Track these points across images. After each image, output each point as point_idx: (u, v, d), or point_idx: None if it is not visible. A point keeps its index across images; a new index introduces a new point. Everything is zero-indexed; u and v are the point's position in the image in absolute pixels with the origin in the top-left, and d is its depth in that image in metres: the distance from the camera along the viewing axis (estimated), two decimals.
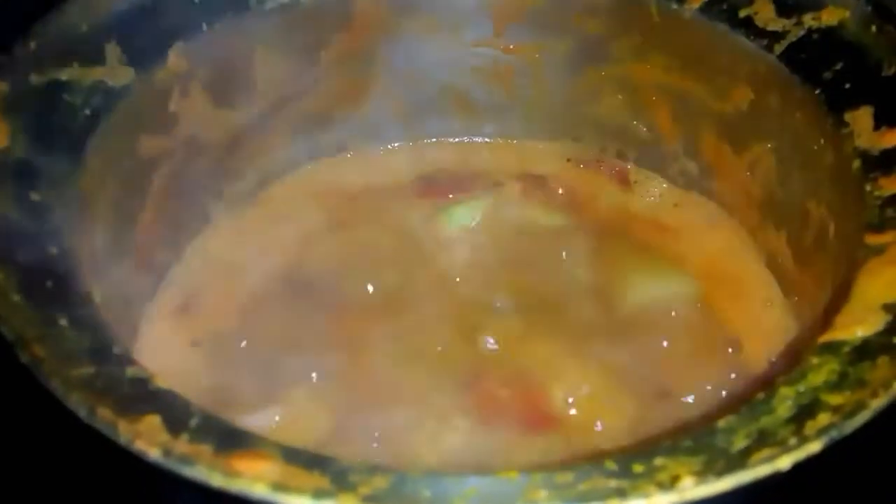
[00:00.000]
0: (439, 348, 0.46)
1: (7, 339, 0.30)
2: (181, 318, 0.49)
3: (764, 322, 0.48)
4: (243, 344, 0.47)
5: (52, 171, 0.39)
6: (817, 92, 0.43)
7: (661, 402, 0.44)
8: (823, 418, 0.28)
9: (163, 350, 0.47)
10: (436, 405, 0.43)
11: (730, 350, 0.47)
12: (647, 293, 0.48)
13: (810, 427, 0.28)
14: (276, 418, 0.43)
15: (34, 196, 0.38)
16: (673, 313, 0.47)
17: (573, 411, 0.43)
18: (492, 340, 0.46)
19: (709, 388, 0.45)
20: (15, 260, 0.35)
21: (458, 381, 0.44)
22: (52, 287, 0.35)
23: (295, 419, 0.43)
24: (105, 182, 0.43)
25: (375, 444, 0.42)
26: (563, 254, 0.51)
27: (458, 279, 0.50)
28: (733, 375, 0.46)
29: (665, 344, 0.47)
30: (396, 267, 0.51)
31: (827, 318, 0.35)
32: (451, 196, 0.55)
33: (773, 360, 0.46)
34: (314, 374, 0.45)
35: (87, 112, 0.42)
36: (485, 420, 0.43)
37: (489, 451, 0.42)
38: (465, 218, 0.54)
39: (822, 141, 0.43)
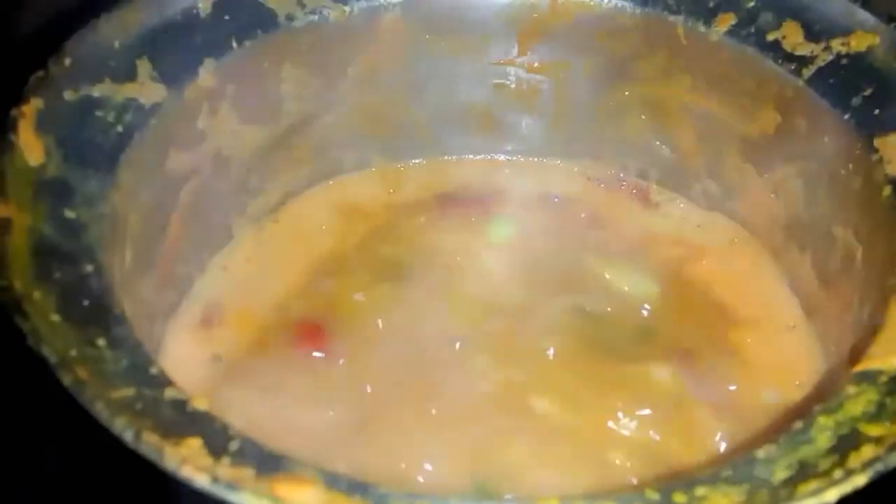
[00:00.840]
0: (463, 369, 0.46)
1: (49, 360, 0.30)
2: (203, 333, 0.49)
3: (786, 345, 0.49)
4: (263, 360, 0.47)
5: (85, 188, 0.39)
6: (846, 117, 0.43)
7: None
8: (867, 451, 0.28)
9: (185, 365, 0.47)
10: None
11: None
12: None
13: (854, 459, 0.28)
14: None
15: (69, 213, 0.38)
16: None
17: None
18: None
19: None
20: (52, 279, 0.35)
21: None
22: (88, 306, 0.35)
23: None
24: (136, 198, 0.43)
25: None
26: (588, 274, 0.51)
27: (482, 299, 0.50)
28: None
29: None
30: (417, 285, 0.51)
31: (860, 346, 0.36)
32: (472, 214, 0.55)
33: (798, 383, 0.46)
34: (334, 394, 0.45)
35: (120, 129, 0.42)
36: None
37: None
38: (488, 237, 0.54)
39: (851, 167, 0.43)
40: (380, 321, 0.49)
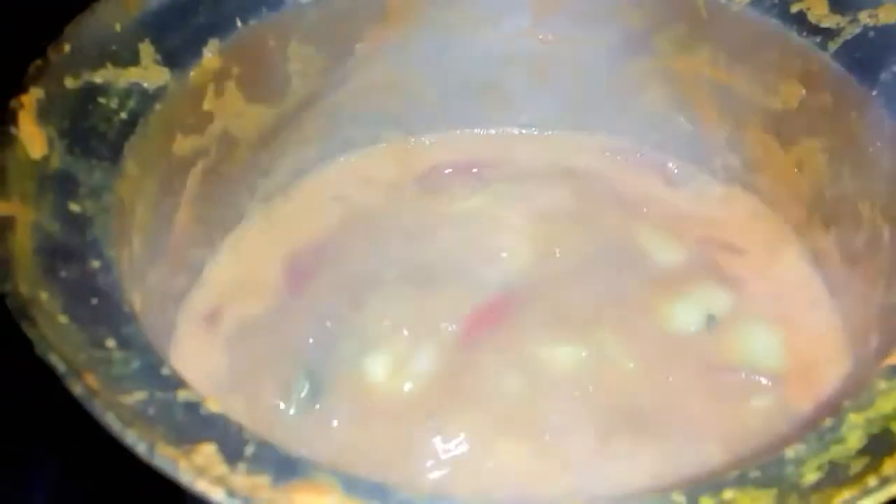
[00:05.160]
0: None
1: (57, 370, 0.30)
2: (215, 318, 0.48)
3: (809, 323, 0.48)
4: (275, 342, 0.46)
5: (90, 180, 0.38)
6: (874, 93, 0.42)
7: None
8: None
9: (197, 352, 0.46)
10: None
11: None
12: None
13: (889, 466, 0.27)
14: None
15: (74, 207, 0.37)
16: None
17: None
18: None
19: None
20: (59, 277, 0.34)
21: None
22: (96, 304, 0.34)
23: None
24: (142, 186, 0.42)
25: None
26: (603, 247, 0.50)
27: (494, 270, 0.49)
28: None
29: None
30: (432, 259, 0.50)
31: (889, 334, 0.35)
32: (488, 188, 0.54)
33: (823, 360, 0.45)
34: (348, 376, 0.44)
35: (123, 115, 0.41)
36: None
37: None
38: (503, 210, 0.52)
39: (879, 143, 0.42)
40: (398, 293, 0.48)
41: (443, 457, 0.41)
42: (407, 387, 0.43)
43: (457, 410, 0.42)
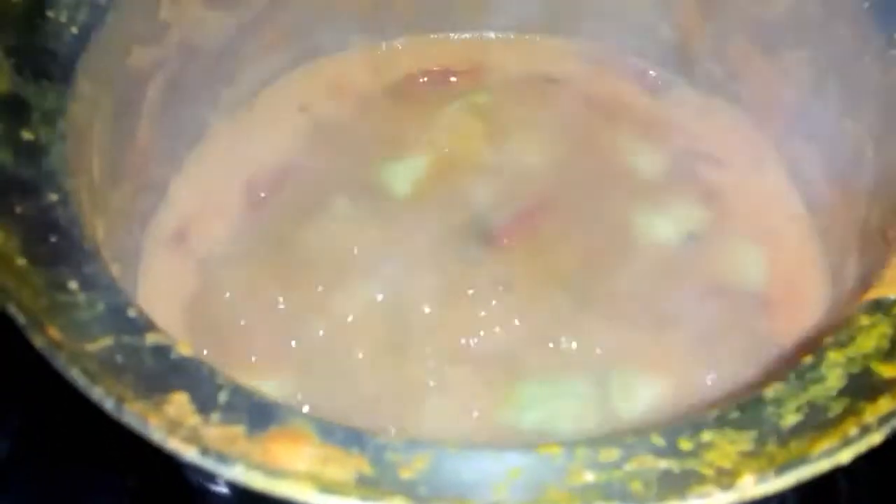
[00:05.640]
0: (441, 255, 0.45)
1: (18, 321, 0.28)
2: (183, 238, 0.47)
3: (788, 239, 0.47)
4: (242, 260, 0.45)
5: (42, 103, 0.36)
6: (866, 6, 0.40)
7: None
8: (884, 403, 0.27)
9: (167, 273, 0.45)
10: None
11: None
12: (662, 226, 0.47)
13: (870, 413, 0.27)
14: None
15: (26, 135, 0.35)
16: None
17: None
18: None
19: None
20: (15, 214, 0.32)
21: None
22: (56, 242, 0.32)
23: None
24: (99, 104, 0.40)
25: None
26: (583, 157, 0.49)
27: (473, 188, 0.48)
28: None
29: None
30: (400, 169, 0.49)
31: (870, 265, 0.34)
32: (464, 95, 0.52)
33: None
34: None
35: (74, 30, 0.38)
36: None
37: None
38: (481, 117, 0.51)
39: (867, 60, 0.40)
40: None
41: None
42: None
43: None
